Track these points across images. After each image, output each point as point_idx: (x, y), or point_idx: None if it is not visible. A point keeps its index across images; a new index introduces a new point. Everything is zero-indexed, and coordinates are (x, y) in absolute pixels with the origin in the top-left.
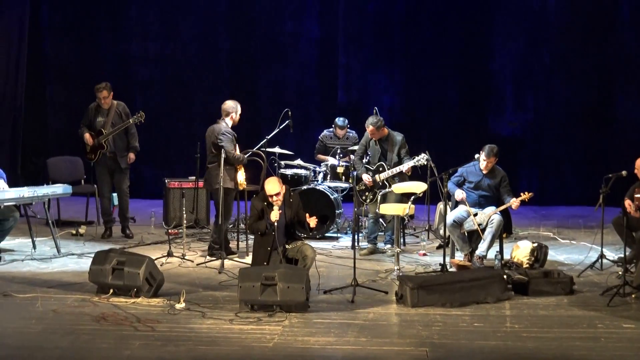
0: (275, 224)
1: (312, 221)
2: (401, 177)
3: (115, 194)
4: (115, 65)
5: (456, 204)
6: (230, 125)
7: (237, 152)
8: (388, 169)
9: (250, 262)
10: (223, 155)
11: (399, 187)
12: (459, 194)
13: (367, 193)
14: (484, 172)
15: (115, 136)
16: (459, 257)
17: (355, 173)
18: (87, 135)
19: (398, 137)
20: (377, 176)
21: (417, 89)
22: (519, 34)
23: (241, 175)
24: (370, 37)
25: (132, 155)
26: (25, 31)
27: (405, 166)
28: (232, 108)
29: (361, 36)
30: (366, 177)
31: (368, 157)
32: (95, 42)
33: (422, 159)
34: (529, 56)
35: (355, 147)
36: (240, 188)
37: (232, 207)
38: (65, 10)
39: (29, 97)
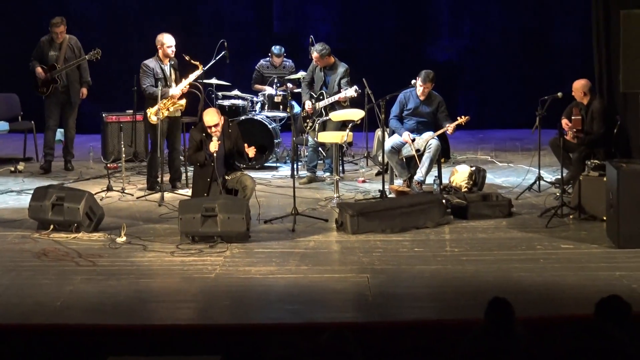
0: (215, 154)
1: (251, 151)
2: (340, 106)
3: (60, 130)
4: None
5: (393, 132)
6: (163, 59)
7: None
8: (327, 98)
9: (190, 193)
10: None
11: (337, 115)
12: (406, 136)
13: (307, 120)
14: (421, 98)
15: (68, 71)
16: (398, 183)
17: (293, 102)
18: (39, 69)
19: (341, 68)
20: (316, 104)
21: (353, 17)
22: None
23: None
24: None
25: (84, 90)
26: None
27: (337, 96)
28: (158, 42)
29: None
30: (308, 104)
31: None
32: None
33: (352, 90)
34: None
35: (292, 77)
36: (151, 122)
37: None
38: None
39: None
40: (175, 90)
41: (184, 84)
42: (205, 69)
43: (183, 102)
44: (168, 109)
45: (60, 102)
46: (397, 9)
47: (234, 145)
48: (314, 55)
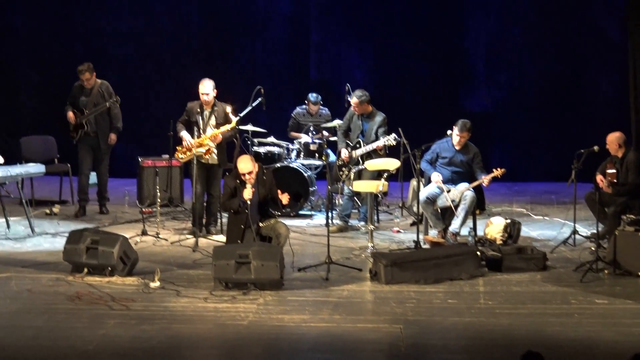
0: (249, 202)
1: (284, 198)
2: (376, 155)
3: (93, 174)
4: (87, 42)
5: (429, 180)
6: (204, 105)
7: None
8: (364, 147)
9: (224, 240)
10: None
11: (372, 164)
12: (435, 177)
13: (343, 169)
14: (457, 147)
15: (97, 116)
16: (433, 234)
17: (328, 151)
18: (70, 114)
19: (379, 117)
20: (353, 152)
21: (389, 65)
22: (490, 10)
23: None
24: (341, 13)
25: (113, 136)
26: None
27: (375, 145)
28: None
29: (332, 12)
30: (344, 153)
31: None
32: (67, 18)
33: (391, 138)
34: (501, 32)
35: (328, 125)
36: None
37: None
38: None
39: (1, 76)
40: (188, 138)
41: (209, 133)
42: (242, 115)
43: (202, 150)
44: (187, 152)
45: (91, 146)
46: (433, 57)
47: (268, 193)
48: (353, 101)
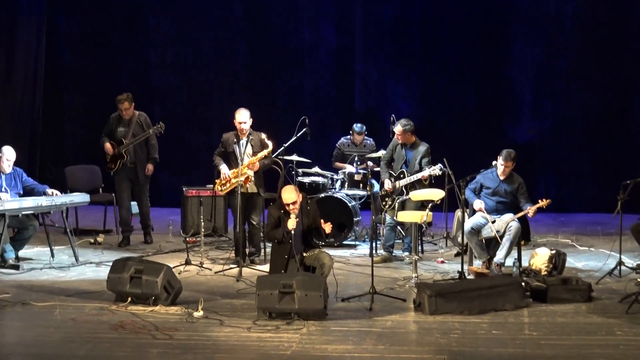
0: (292, 232)
1: (327, 227)
2: (420, 185)
3: (134, 203)
4: (132, 73)
5: (474, 211)
6: (240, 134)
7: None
8: (408, 177)
9: (268, 269)
10: None
11: (417, 195)
12: (478, 204)
13: (386, 199)
14: (502, 177)
15: (135, 146)
16: (477, 264)
17: (373, 181)
18: (107, 145)
19: (423, 147)
20: (396, 183)
21: (434, 96)
22: (537, 40)
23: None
24: (387, 44)
25: (150, 167)
26: (43, 40)
27: (420, 175)
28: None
29: (378, 43)
30: (387, 183)
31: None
32: (112, 50)
33: (437, 168)
34: (547, 62)
35: (373, 155)
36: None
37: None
38: (82, 18)
39: (47, 105)
40: (225, 170)
41: (246, 162)
42: (286, 145)
43: (242, 179)
44: (227, 183)
45: (129, 178)
46: (478, 87)
47: (312, 222)
48: (397, 129)
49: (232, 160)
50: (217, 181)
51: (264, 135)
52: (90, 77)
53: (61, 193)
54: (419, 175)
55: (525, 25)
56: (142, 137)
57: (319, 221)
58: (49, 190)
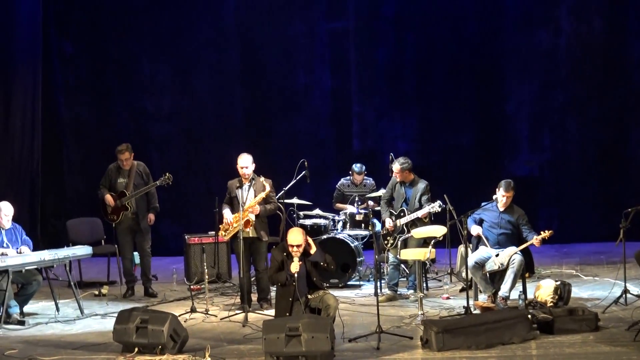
0: (296, 275)
1: (312, 248)
2: (421, 222)
3: (136, 253)
4: (129, 122)
5: (477, 245)
6: (242, 180)
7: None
8: (408, 215)
9: (273, 313)
10: None
11: (419, 232)
12: (475, 230)
13: (388, 238)
14: (501, 208)
15: (137, 197)
16: (483, 298)
17: (374, 220)
18: (108, 197)
19: (422, 184)
20: (397, 221)
21: (431, 133)
22: (532, 75)
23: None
24: (382, 85)
25: (151, 216)
26: (39, 92)
27: (420, 212)
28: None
29: (373, 84)
30: (388, 222)
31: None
32: (109, 101)
33: (436, 205)
34: (543, 97)
35: (373, 194)
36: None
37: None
38: (78, 69)
39: (46, 158)
40: (228, 216)
41: (247, 204)
42: (286, 189)
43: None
44: (229, 228)
45: (131, 228)
46: (475, 124)
47: (314, 263)
48: (395, 168)
49: (235, 206)
50: (221, 226)
51: (263, 179)
52: (87, 128)
53: (63, 247)
54: (419, 214)
55: (519, 61)
56: (149, 187)
57: (326, 259)
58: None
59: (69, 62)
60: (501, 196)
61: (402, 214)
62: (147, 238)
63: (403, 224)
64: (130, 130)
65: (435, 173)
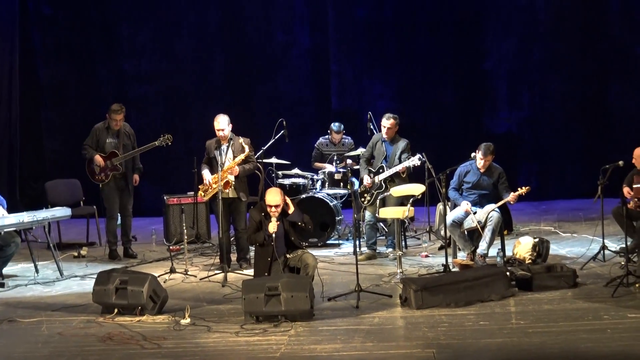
0: (273, 235)
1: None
2: (400, 180)
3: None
4: (109, 84)
5: (455, 204)
6: (221, 140)
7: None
8: (387, 170)
9: (252, 273)
10: None
11: (397, 190)
12: (464, 205)
13: (365, 195)
14: (482, 170)
15: (127, 158)
16: (462, 256)
17: (353, 179)
18: (98, 157)
19: (402, 142)
20: (375, 177)
21: (411, 92)
22: (510, 32)
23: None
24: (361, 43)
25: (136, 177)
26: (16, 56)
27: (399, 167)
28: None
29: (352, 43)
30: (366, 179)
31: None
32: (88, 63)
33: (416, 159)
34: (521, 54)
35: (352, 153)
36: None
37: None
38: (56, 33)
39: (24, 121)
40: (207, 176)
41: (226, 166)
42: (265, 148)
43: (221, 184)
44: (209, 189)
45: (118, 188)
46: (455, 81)
47: (292, 223)
48: (390, 122)
49: (214, 166)
50: (201, 187)
51: (242, 140)
52: (66, 90)
53: (42, 208)
54: (398, 168)
55: (498, 17)
56: (148, 147)
57: (304, 219)
58: None
59: (47, 24)
60: (479, 159)
61: (380, 170)
62: (132, 198)
63: (381, 180)
64: (109, 92)
65: (415, 131)
